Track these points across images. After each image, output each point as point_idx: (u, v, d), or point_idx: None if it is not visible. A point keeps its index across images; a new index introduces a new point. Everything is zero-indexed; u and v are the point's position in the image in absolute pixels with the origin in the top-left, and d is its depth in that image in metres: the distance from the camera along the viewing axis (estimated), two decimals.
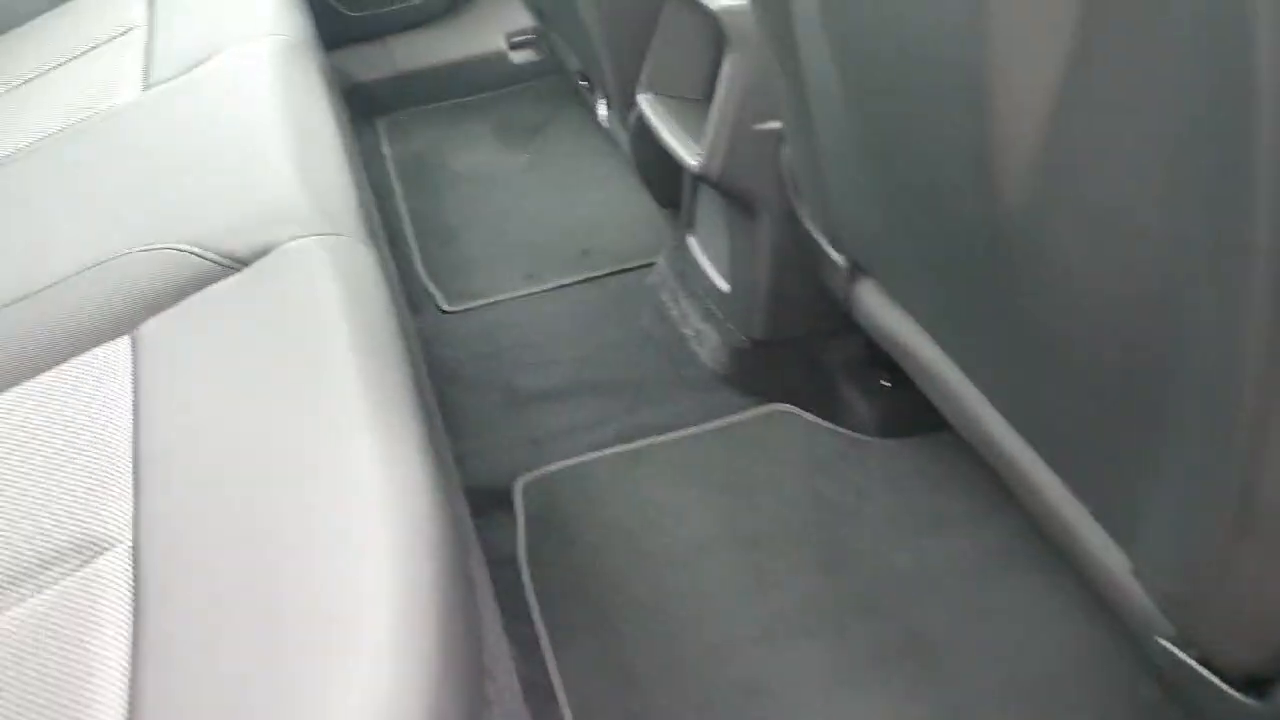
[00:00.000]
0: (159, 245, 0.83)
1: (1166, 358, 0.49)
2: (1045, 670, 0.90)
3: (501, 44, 1.86)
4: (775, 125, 0.96)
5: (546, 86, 1.84)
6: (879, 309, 0.90)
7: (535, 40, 1.86)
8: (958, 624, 0.94)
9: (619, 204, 1.55)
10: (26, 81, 1.24)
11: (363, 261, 0.79)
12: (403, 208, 1.61)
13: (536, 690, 0.92)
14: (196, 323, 0.75)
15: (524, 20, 1.85)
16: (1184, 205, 0.43)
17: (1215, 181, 0.39)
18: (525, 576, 1.04)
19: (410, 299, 1.38)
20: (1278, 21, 0.33)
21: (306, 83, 1.05)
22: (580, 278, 1.42)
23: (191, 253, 0.81)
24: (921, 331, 0.84)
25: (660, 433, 1.17)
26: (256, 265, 0.78)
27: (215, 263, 0.81)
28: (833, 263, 0.93)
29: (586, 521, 1.08)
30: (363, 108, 1.76)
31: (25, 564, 0.63)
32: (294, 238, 0.80)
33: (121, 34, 1.24)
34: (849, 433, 1.13)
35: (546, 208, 1.58)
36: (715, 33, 0.97)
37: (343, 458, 0.61)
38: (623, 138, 1.34)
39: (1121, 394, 0.55)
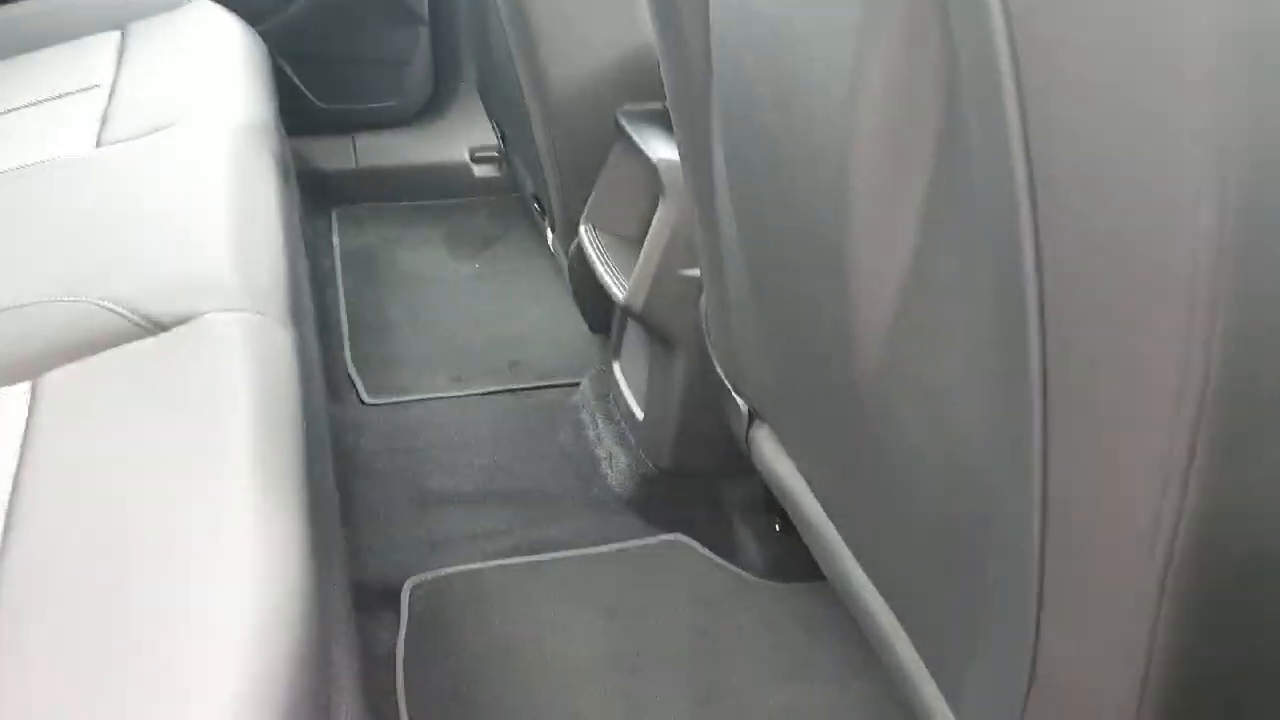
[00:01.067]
0: (78, 298, 0.84)
1: (981, 535, 0.53)
2: None
3: (465, 156, 1.94)
4: (696, 272, 1.02)
5: (503, 203, 1.91)
6: (771, 455, 0.94)
7: (497, 158, 1.94)
8: None
9: (554, 323, 1.60)
10: None
11: (278, 343, 0.82)
12: (342, 298, 1.64)
13: None
14: (101, 379, 0.76)
15: (489, 137, 1.94)
16: (992, 396, 0.48)
17: (1008, 377, 0.44)
18: (399, 679, 1.03)
19: (333, 388, 1.39)
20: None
21: (258, 165, 1.09)
22: (505, 387, 1.45)
23: (110, 309, 0.83)
24: (803, 480, 0.88)
25: (559, 549, 1.18)
26: (174, 331, 0.80)
27: (132, 323, 0.82)
28: (735, 405, 0.97)
29: (472, 630, 1.08)
30: (319, 196, 1.80)
31: None
32: (214, 310, 0.82)
33: (85, 89, 1.27)
34: (739, 571, 1.15)
35: (484, 317, 1.61)
36: (653, 179, 1.04)
37: (217, 532, 0.62)
38: (564, 262, 1.39)
39: (950, 560, 0.59)
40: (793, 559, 1.14)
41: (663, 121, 1.06)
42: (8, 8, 1.48)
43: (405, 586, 1.13)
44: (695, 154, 0.80)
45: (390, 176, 1.88)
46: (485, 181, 1.94)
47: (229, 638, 0.55)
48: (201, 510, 0.63)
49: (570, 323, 1.58)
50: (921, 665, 0.69)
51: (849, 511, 0.77)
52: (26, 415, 0.73)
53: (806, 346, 0.69)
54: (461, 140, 1.93)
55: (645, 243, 1.04)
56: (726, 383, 0.97)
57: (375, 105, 1.85)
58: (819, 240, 0.57)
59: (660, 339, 1.12)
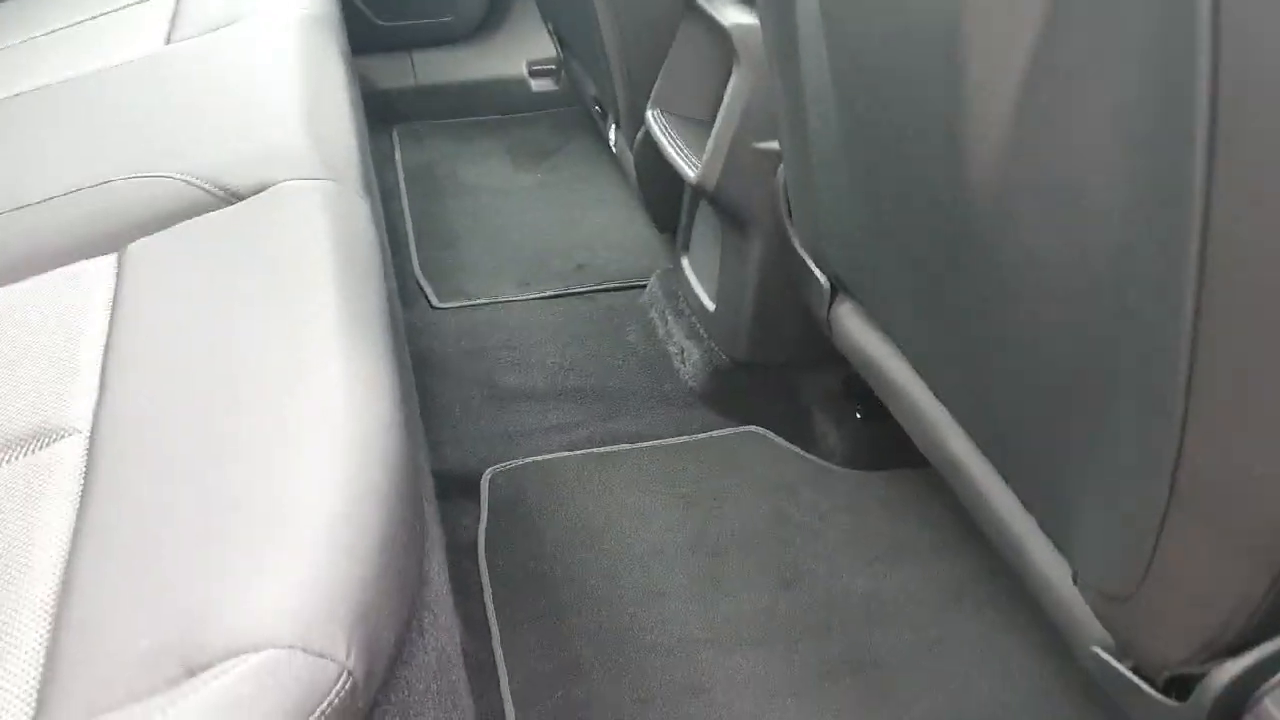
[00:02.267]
0: (156, 173, 0.84)
1: (1108, 353, 0.50)
2: (992, 702, 0.89)
3: (523, 70, 1.91)
4: (774, 146, 0.99)
5: (562, 116, 1.89)
6: (857, 330, 0.91)
7: (555, 70, 1.91)
8: (907, 650, 0.93)
9: (619, 227, 1.58)
10: (55, 31, 1.27)
11: (356, 208, 0.81)
12: (407, 210, 1.64)
13: (480, 667, 0.91)
14: (184, 246, 0.76)
15: (547, 50, 1.91)
16: (1135, 187, 0.44)
17: (1161, 167, 0.41)
18: (482, 563, 1.04)
19: (402, 295, 1.39)
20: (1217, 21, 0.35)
21: (324, 51, 1.08)
22: (572, 290, 1.44)
23: (187, 182, 0.83)
24: (896, 354, 0.85)
25: (633, 441, 1.17)
26: (251, 200, 0.80)
27: (210, 193, 0.82)
28: (816, 282, 0.94)
29: (549, 516, 1.08)
30: (380, 114, 1.80)
31: None
32: (291, 178, 0.81)
33: None
34: (818, 460, 1.14)
35: (548, 224, 1.60)
36: (725, 50, 1.01)
37: (308, 373, 0.62)
38: (629, 159, 1.37)
39: (1065, 391, 0.56)
40: (874, 446, 1.12)
41: None
42: None
43: (484, 476, 1.13)
44: (776, 10, 0.77)
45: (449, 92, 1.87)
46: (543, 95, 1.91)
47: (326, 462, 0.55)
48: (292, 353, 0.63)
49: (635, 227, 1.56)
50: (1029, 521, 0.67)
51: (949, 368, 0.74)
52: (114, 282, 0.74)
53: (909, 188, 0.66)
54: (519, 54, 1.91)
55: (718, 117, 1.01)
56: (807, 259, 0.94)
57: (431, 21, 1.83)
58: (928, 44, 0.54)
59: (733, 221, 1.10)
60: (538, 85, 1.91)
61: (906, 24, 0.58)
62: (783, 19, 0.79)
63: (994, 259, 0.58)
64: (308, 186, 0.80)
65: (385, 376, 0.62)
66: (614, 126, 1.48)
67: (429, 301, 1.43)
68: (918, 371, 0.82)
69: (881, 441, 1.09)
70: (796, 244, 0.97)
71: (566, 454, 1.16)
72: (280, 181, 0.81)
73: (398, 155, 1.80)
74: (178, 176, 0.83)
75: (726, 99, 1.00)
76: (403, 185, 1.72)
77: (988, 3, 0.49)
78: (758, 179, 1.02)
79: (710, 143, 1.02)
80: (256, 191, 0.81)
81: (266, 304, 0.68)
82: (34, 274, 0.79)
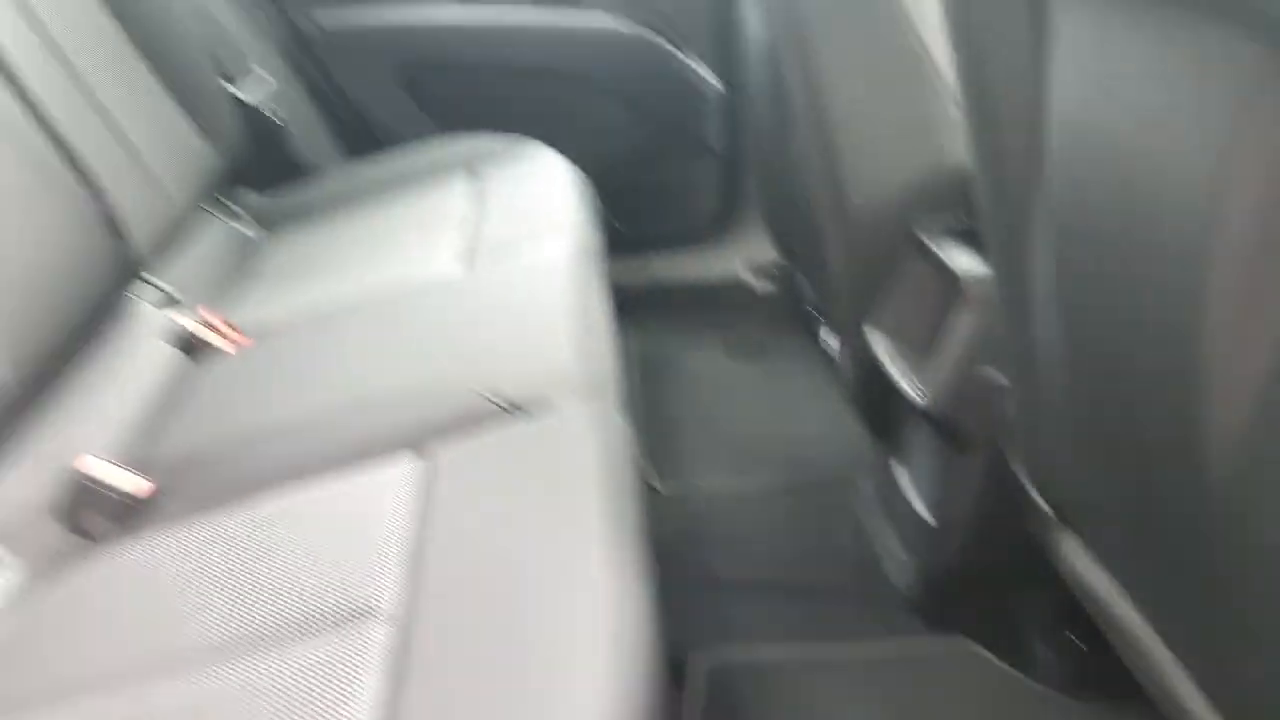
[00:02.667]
0: (453, 385, 1.01)
1: None
2: None
3: (745, 272, 2.07)
4: (997, 374, 1.05)
5: (780, 315, 2.01)
6: (1079, 562, 0.93)
7: (775, 274, 2.05)
8: None
9: (831, 424, 1.65)
10: (362, 248, 1.53)
11: (616, 430, 0.93)
12: (635, 397, 1.79)
13: None
14: (479, 452, 0.90)
15: (768, 254, 2.06)
16: None
17: None
18: None
19: None
20: None
21: (590, 280, 1.25)
22: (784, 483, 1.51)
23: (479, 394, 0.99)
24: (1120, 590, 0.86)
25: (840, 640, 1.20)
26: (534, 416, 0.94)
27: (499, 407, 0.97)
28: (1038, 510, 0.98)
29: (756, 711, 1.12)
30: (616, 307, 1.99)
31: (298, 622, 0.77)
32: (565, 399, 0.95)
33: (445, 221, 1.51)
34: (1031, 683, 1.12)
35: (763, 417, 1.70)
36: (951, 289, 1.09)
37: (577, 575, 0.72)
38: (843, 364, 1.46)
39: None
40: (1090, 675, 1.10)
41: (962, 235, 1.11)
42: (385, 155, 1.79)
43: (692, 661, 1.19)
44: (1009, 263, 0.85)
45: (678, 290, 2.04)
46: (762, 295, 2.05)
47: (591, 671, 0.64)
48: (565, 558, 0.74)
49: (847, 425, 1.62)
50: None
51: (1181, 621, 0.75)
52: (418, 479, 0.89)
53: (1138, 452, 0.71)
54: (742, 257, 2.07)
55: (943, 346, 1.08)
56: (1030, 487, 0.98)
57: (667, 228, 2.03)
58: (1164, 342, 0.60)
59: (952, 440, 1.15)
60: (759, 286, 2.06)
61: (1144, 319, 0.63)
62: (1013, 273, 0.87)
63: (1236, 543, 0.61)
64: (580, 408, 0.93)
65: (642, 586, 0.71)
66: (829, 331, 1.58)
67: (652, 485, 1.54)
68: (1144, 615, 0.83)
69: (1101, 670, 1.07)
70: (1019, 471, 1.01)
71: (774, 647, 1.21)
72: (557, 401, 0.95)
73: (628, 345, 1.98)
74: (471, 390, 0.99)
75: (953, 332, 1.07)
76: (631, 371, 1.88)
77: (1229, 305, 0.53)
78: (979, 405, 1.07)
79: (933, 369, 1.09)
80: (537, 408, 0.95)
81: (543, 511, 0.80)
82: (342, 466, 0.95)
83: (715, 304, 2.04)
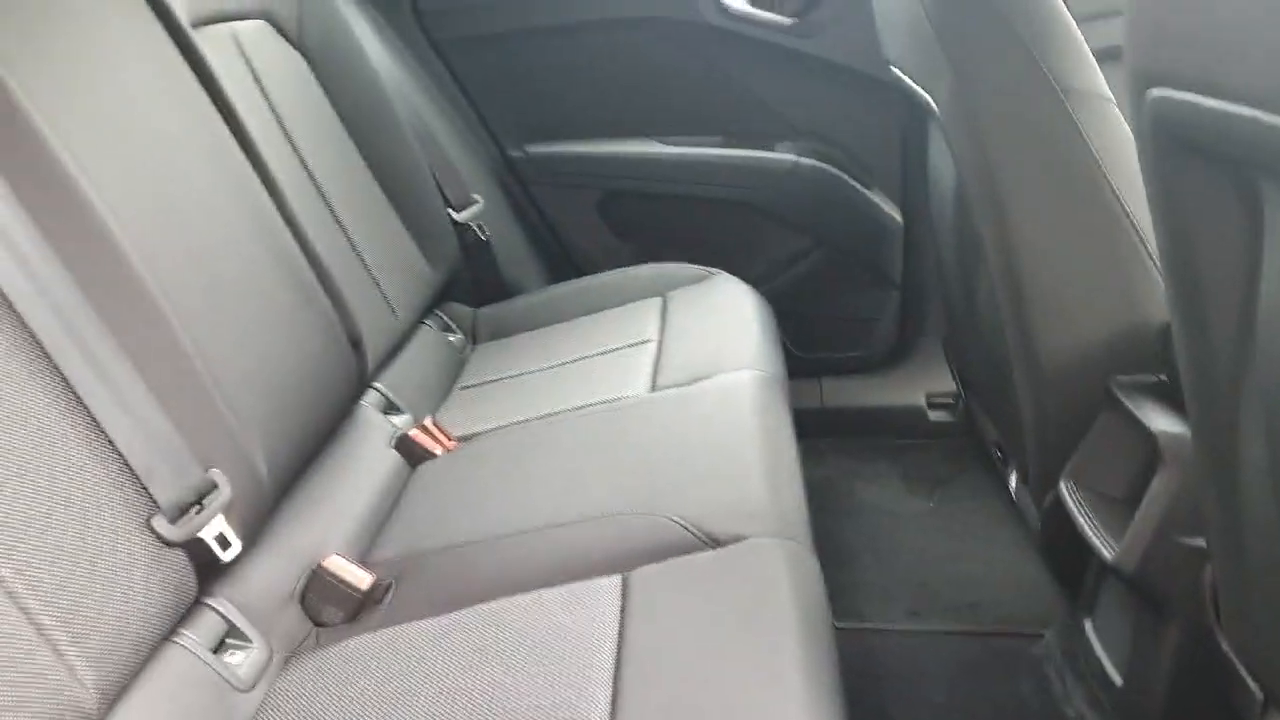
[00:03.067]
0: (651, 512, 1.07)
1: None
2: None
3: (921, 400, 2.07)
4: (1200, 543, 1.02)
5: (957, 446, 2.00)
6: None
7: (953, 404, 2.04)
8: None
9: (1013, 568, 1.62)
10: (561, 364, 1.64)
11: (809, 569, 0.97)
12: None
13: None
14: (676, 580, 0.95)
15: (946, 384, 2.06)
16: None
17: None
18: None
19: None
20: None
21: (776, 411, 1.30)
22: (963, 628, 1.48)
23: (679, 524, 1.05)
24: None
25: None
26: (729, 548, 0.99)
27: (695, 536, 1.03)
28: (1245, 688, 0.94)
29: None
30: None
31: None
32: (760, 534, 1.00)
33: (639, 343, 1.61)
34: None
35: (939, 554, 1.68)
36: (1149, 449, 1.08)
37: (776, 708, 0.76)
38: (1031, 512, 1.44)
39: None
40: None
41: (1159, 394, 1.10)
42: (578, 281, 1.93)
43: None
44: (1214, 432, 0.84)
45: (851, 416, 2.06)
46: (940, 425, 2.05)
47: None
48: (763, 690, 0.77)
49: (1029, 570, 1.59)
50: None
51: None
52: (620, 602, 0.95)
53: None
54: (919, 386, 2.08)
55: (1141, 507, 1.07)
56: (1236, 663, 0.94)
57: (842, 355, 2.07)
58: None
59: (1148, 603, 1.12)
60: (935, 416, 2.06)
61: None
62: (1218, 441, 0.86)
63: None
64: (774, 545, 0.98)
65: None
66: (1014, 474, 1.56)
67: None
68: None
69: None
70: (1224, 644, 0.97)
71: None
72: (751, 536, 1.00)
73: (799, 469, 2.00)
74: (670, 517, 1.05)
75: (1150, 494, 1.06)
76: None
77: None
78: (1179, 570, 1.04)
79: (1131, 530, 1.07)
80: (732, 541, 1.00)
81: (740, 645, 0.85)
82: (548, 581, 1.01)
83: (890, 432, 2.04)
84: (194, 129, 1.22)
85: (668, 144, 2.00)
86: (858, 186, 1.95)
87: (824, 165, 1.94)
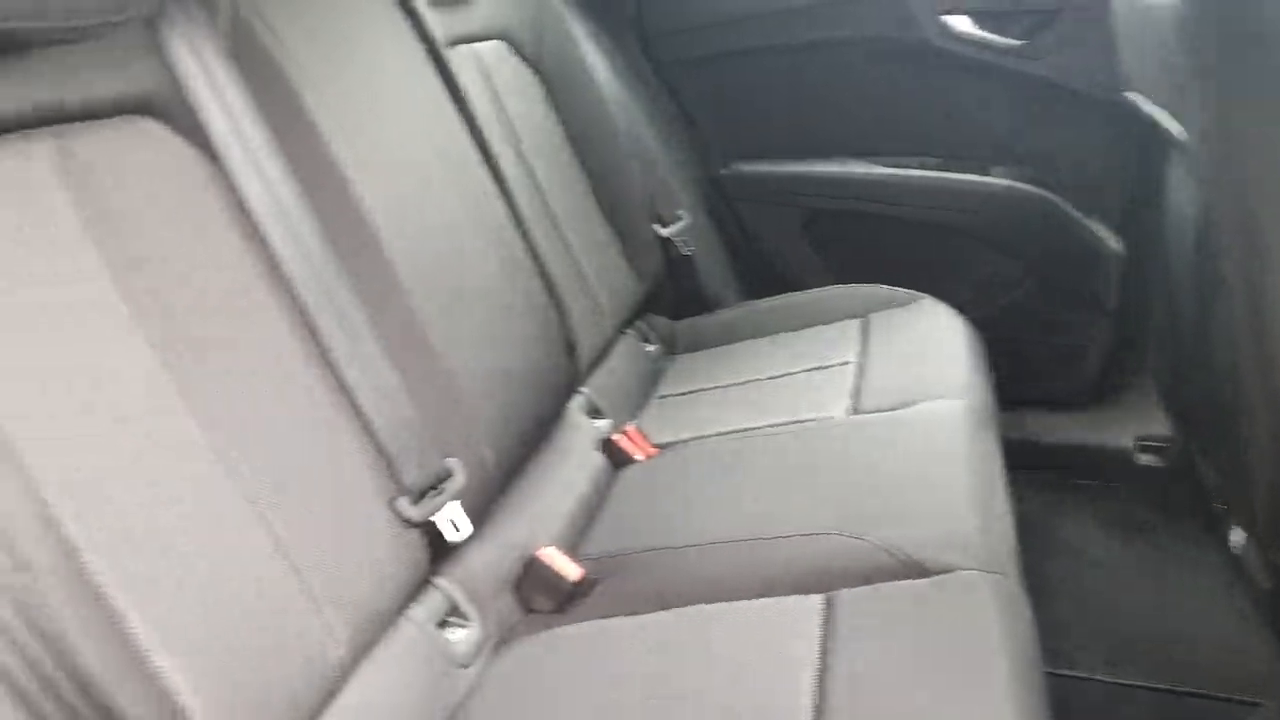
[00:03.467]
0: (860, 537, 1.08)
1: None
2: None
3: (1129, 442, 1.96)
4: None
5: (1165, 493, 1.88)
6: None
7: (1165, 448, 1.93)
8: None
9: (1223, 627, 1.51)
10: (758, 380, 1.66)
11: (1020, 607, 0.96)
12: None
13: None
14: (883, 606, 0.96)
15: (1156, 427, 1.94)
16: None
17: None
18: None
19: None
20: None
21: (987, 442, 1.28)
22: (1165, 686, 1.41)
23: (884, 550, 1.05)
24: None
25: None
26: (938, 579, 0.98)
27: (902, 563, 1.03)
28: None
29: None
30: None
31: None
32: (969, 568, 0.99)
33: (838, 365, 1.61)
34: None
35: (1143, 605, 1.60)
36: None
37: None
38: (1258, 570, 1.34)
39: None
40: None
41: None
42: (777, 298, 1.94)
43: None
44: None
45: (1053, 452, 1.98)
46: (1147, 470, 1.94)
47: None
48: None
49: (1244, 635, 1.48)
50: None
51: None
52: (823, 622, 0.96)
53: None
54: (1128, 427, 1.97)
55: None
56: None
57: (1050, 386, 1.99)
58: None
59: None
60: (1143, 460, 1.95)
61: None
62: None
63: None
64: (983, 580, 0.97)
65: None
66: (1237, 529, 1.46)
67: None
68: None
69: None
70: None
71: None
72: (959, 568, 0.99)
73: None
74: (875, 542, 1.06)
75: None
76: None
77: None
78: None
79: None
80: (940, 572, 1.00)
81: (952, 676, 0.84)
82: (747, 597, 1.04)
83: (1095, 473, 1.95)
84: (445, 141, 1.33)
85: (878, 164, 1.99)
86: (1077, 214, 1.88)
87: (1042, 191, 1.88)
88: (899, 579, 1.00)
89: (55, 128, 0.84)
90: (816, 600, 1.00)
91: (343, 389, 1.01)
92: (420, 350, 1.10)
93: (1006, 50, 1.85)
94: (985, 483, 1.18)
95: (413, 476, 1.04)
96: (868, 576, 1.02)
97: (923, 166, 1.96)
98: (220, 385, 0.89)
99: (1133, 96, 1.49)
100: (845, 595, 0.99)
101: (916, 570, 1.02)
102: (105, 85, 0.89)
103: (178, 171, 0.94)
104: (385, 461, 1.03)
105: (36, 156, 0.82)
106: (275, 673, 0.82)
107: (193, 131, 0.97)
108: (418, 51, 1.36)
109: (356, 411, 1.01)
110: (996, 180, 1.90)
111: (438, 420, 1.09)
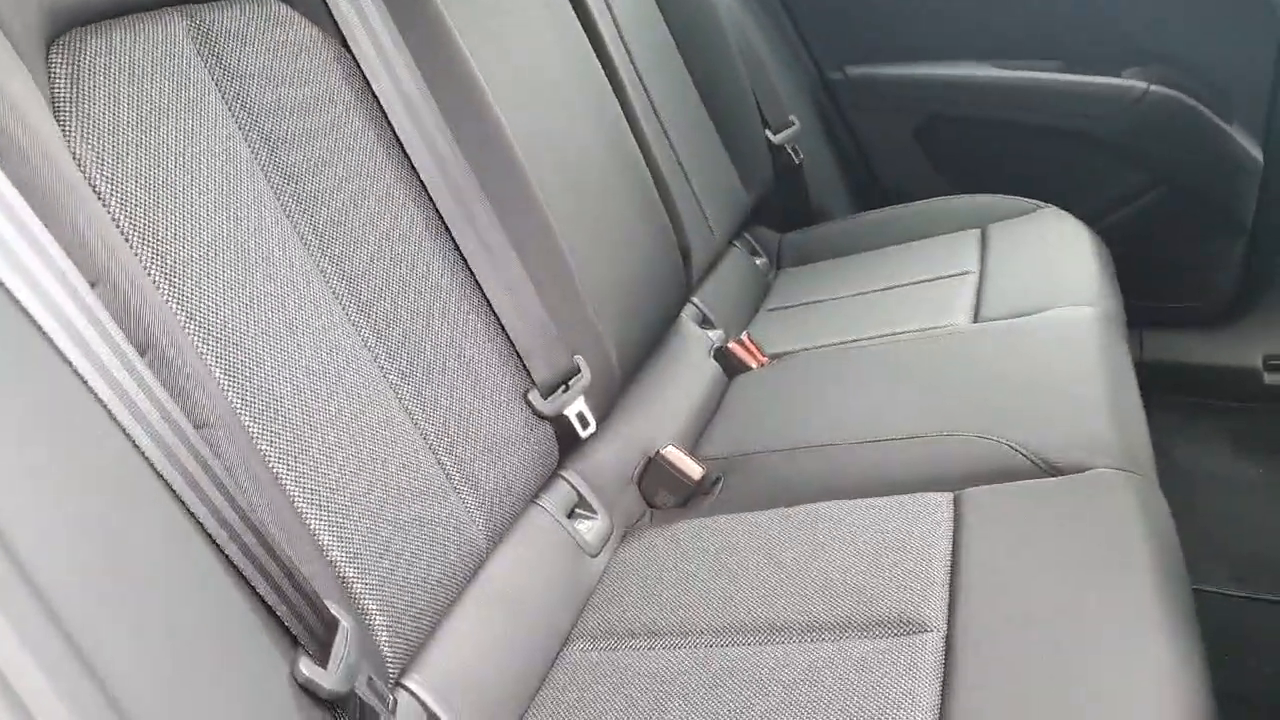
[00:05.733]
0: (989, 437, 1.07)
1: None
2: None
3: (1258, 361, 1.88)
4: None
5: None
6: None
7: None
8: None
9: None
10: (877, 291, 1.64)
11: (1160, 507, 0.94)
12: None
13: None
14: (1014, 505, 0.95)
15: None
16: None
17: None
18: None
19: None
20: None
21: (1118, 350, 1.24)
22: None
23: (1013, 448, 1.04)
24: None
25: None
26: (1071, 478, 0.97)
27: (1033, 463, 1.02)
28: None
29: None
30: None
31: (850, 619, 0.87)
32: (1106, 467, 0.97)
33: (958, 274, 1.57)
34: None
35: (1271, 524, 1.55)
36: None
37: (1126, 643, 0.75)
38: None
39: None
40: None
41: None
42: (888, 209, 1.90)
43: None
44: None
45: (1178, 371, 1.91)
46: (1276, 389, 1.85)
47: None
48: (1118, 619, 0.77)
49: None
50: None
51: None
52: (953, 521, 0.96)
53: None
54: (1257, 346, 1.88)
55: None
56: None
57: (1174, 305, 1.91)
58: None
59: None
60: (1271, 379, 1.86)
61: None
62: None
63: None
64: (1122, 479, 0.95)
65: (1198, 657, 0.72)
66: None
67: None
68: None
69: None
70: None
71: None
72: (1096, 467, 0.97)
73: None
74: (1004, 442, 1.05)
75: None
76: None
77: None
78: None
79: None
80: (1075, 470, 0.98)
81: (1088, 573, 0.84)
82: (874, 495, 1.04)
83: (1222, 393, 1.88)
84: (570, 53, 1.33)
85: (998, 67, 1.91)
86: (1216, 119, 1.77)
87: (1177, 94, 1.77)
88: (1030, 477, 0.99)
89: (185, 7, 0.87)
90: (945, 498, 1.00)
91: (479, 287, 1.03)
92: (548, 251, 1.11)
93: None
94: (1119, 386, 1.14)
95: (543, 372, 1.06)
96: (997, 476, 1.01)
97: (1051, 69, 1.86)
98: (362, 276, 0.92)
99: None
100: (975, 493, 0.99)
101: (1050, 470, 1.00)
102: None
103: (308, 53, 0.96)
104: (517, 356, 1.05)
105: (171, 27, 0.85)
106: (423, 544, 0.86)
107: (319, 18, 0.99)
108: None
109: (489, 307, 1.04)
110: (1131, 82, 1.80)
111: (565, 318, 1.11)
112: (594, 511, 1.13)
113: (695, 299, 1.60)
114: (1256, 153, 1.78)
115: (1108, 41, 1.81)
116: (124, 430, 0.57)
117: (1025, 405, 1.12)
